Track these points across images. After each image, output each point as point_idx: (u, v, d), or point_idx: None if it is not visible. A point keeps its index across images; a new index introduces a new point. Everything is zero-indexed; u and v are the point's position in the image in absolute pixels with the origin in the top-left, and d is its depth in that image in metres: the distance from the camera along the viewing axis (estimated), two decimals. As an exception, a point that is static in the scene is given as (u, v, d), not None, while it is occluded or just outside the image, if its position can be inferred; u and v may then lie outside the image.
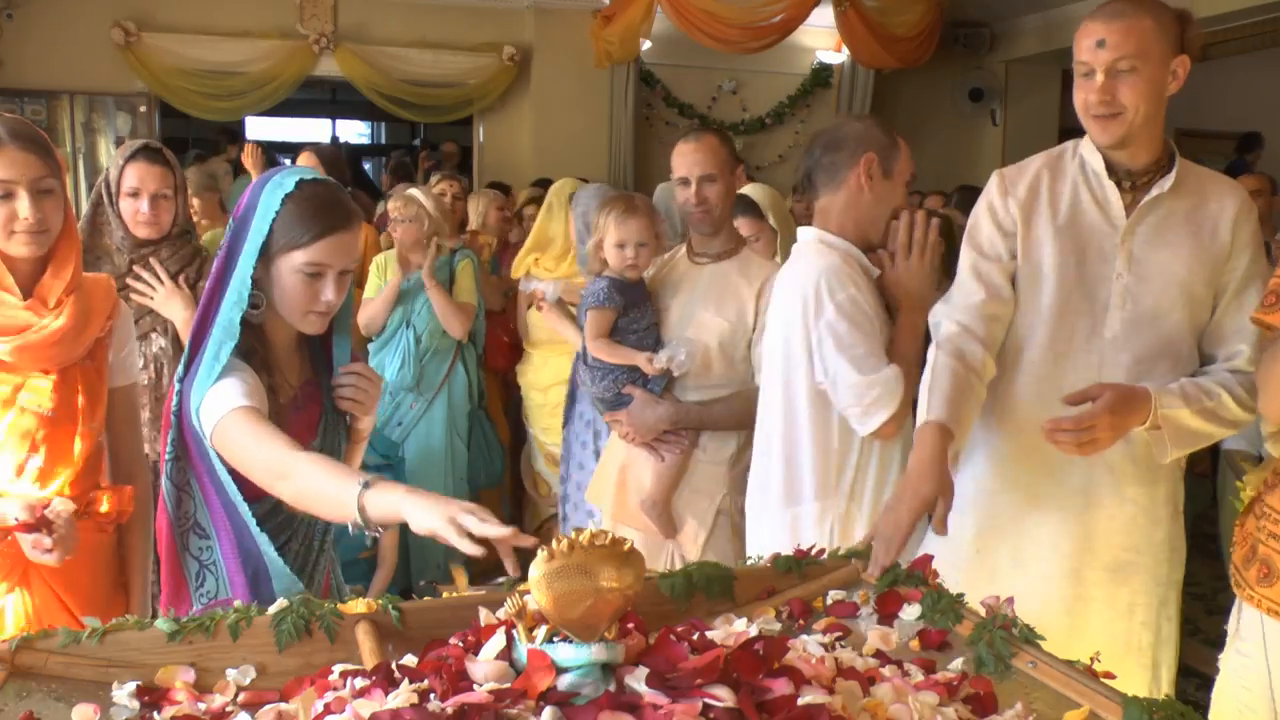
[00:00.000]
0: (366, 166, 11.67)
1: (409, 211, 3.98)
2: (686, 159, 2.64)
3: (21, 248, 1.80)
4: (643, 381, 2.67)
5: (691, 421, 2.63)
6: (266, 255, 1.71)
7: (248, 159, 5.26)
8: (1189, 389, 1.91)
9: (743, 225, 3.37)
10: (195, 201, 4.37)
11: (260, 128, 11.16)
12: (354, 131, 12.99)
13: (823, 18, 7.53)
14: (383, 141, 12.83)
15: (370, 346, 4.09)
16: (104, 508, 1.90)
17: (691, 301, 2.67)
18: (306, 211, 1.70)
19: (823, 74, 8.62)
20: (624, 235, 2.68)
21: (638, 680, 1.07)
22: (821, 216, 2.32)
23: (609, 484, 2.80)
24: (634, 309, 2.69)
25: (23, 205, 1.77)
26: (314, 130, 12.05)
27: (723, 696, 1.04)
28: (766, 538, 2.26)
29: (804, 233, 2.35)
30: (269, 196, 1.71)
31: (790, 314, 2.24)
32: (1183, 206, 1.99)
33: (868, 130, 2.30)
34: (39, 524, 1.71)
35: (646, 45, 7.85)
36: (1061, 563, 2.05)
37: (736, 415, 2.63)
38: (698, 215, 2.65)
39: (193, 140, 9.71)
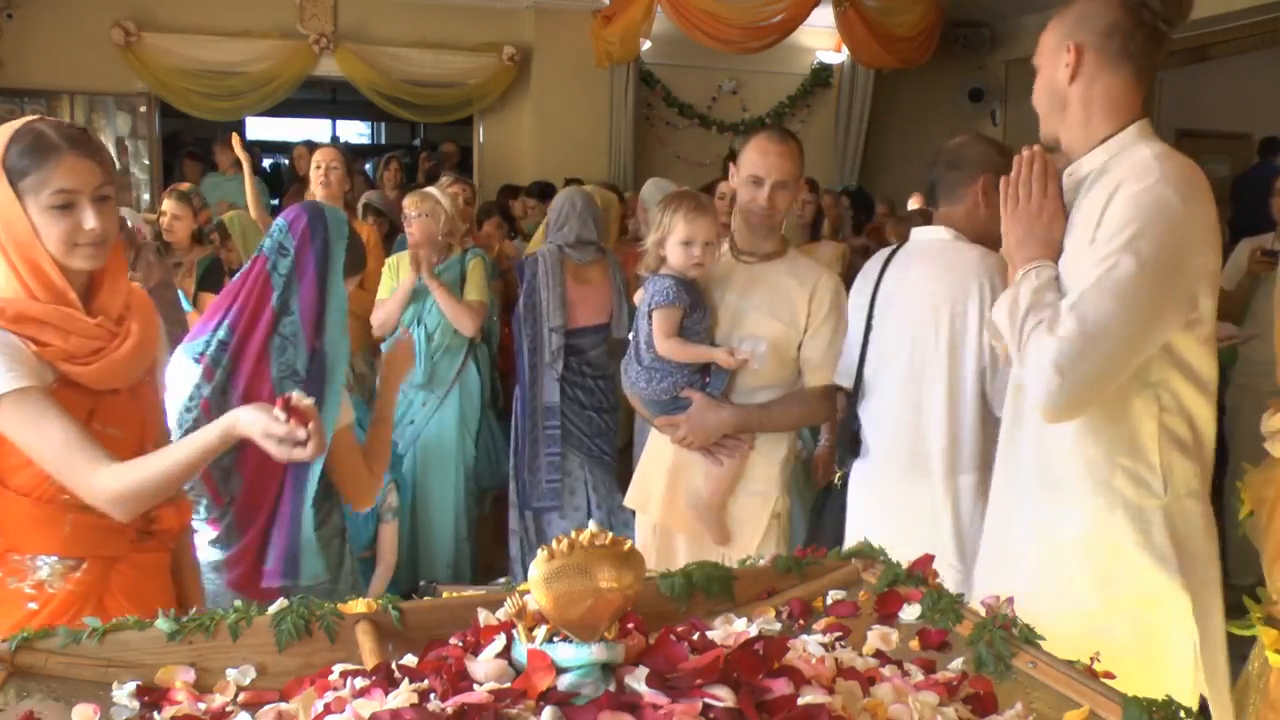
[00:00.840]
0: (366, 167, 11.66)
1: (425, 207, 4.00)
2: (769, 159, 2.57)
3: (84, 260, 1.71)
4: (700, 384, 2.62)
5: (753, 424, 2.60)
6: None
7: (240, 152, 5.33)
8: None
9: None
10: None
11: (260, 128, 11.16)
12: (354, 131, 12.99)
13: (823, 18, 7.54)
14: (383, 141, 12.82)
15: (383, 346, 4.09)
16: (168, 524, 1.85)
17: (740, 301, 2.63)
18: (357, 248, 2.26)
19: (823, 74, 8.62)
20: (693, 233, 2.58)
21: (638, 680, 1.07)
22: (945, 223, 2.49)
23: (657, 487, 2.73)
24: (696, 309, 2.62)
25: (87, 216, 1.68)
26: (314, 130, 12.04)
27: (723, 696, 1.04)
28: (924, 508, 2.39)
29: (936, 230, 2.50)
30: (338, 232, 2.20)
31: (964, 296, 2.36)
32: (1094, 198, 1.85)
33: (985, 153, 2.47)
34: (292, 414, 1.66)
35: (646, 45, 7.86)
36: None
37: (794, 417, 2.64)
38: (760, 218, 2.61)
39: (192, 141, 9.71)
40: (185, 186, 4.87)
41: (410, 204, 4.07)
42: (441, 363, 4.04)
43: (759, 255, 2.66)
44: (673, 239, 2.60)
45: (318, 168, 4.35)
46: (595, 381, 3.85)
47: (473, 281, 4.05)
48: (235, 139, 5.42)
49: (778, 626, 1.42)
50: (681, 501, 2.68)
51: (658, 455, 2.76)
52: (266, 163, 11.62)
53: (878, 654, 1.31)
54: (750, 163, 2.59)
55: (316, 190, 4.35)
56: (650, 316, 2.61)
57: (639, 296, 2.74)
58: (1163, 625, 1.85)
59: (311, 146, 5.76)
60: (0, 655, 1.23)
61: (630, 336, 2.80)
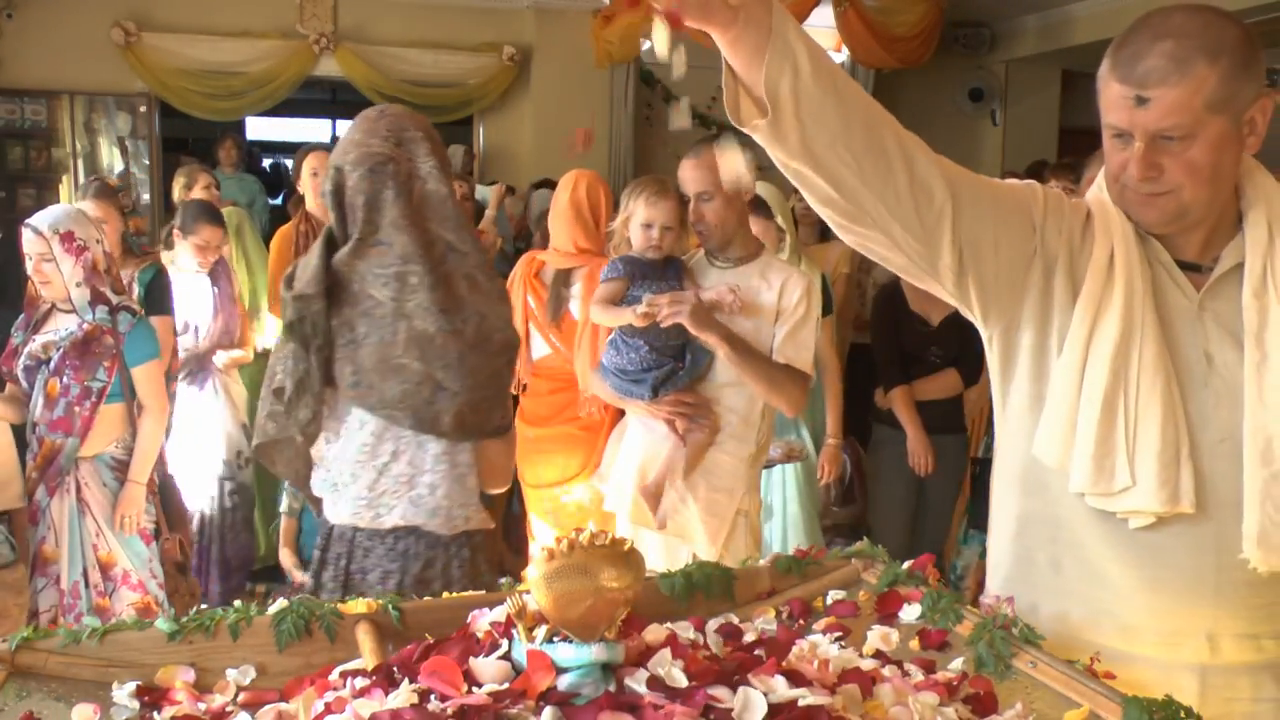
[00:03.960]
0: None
1: None
2: (685, 175, 2.65)
3: None
4: (669, 363, 2.65)
5: (736, 345, 2.55)
6: None
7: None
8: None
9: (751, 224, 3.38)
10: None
11: (260, 128, 11.15)
12: (354, 132, 12.98)
13: (823, 18, 7.52)
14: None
15: None
16: None
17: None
18: None
19: (823, 74, 8.62)
20: (652, 216, 2.68)
21: (638, 681, 1.07)
22: None
23: (626, 488, 2.76)
24: (641, 285, 2.68)
25: None
26: (314, 130, 12.03)
27: (723, 697, 1.04)
28: None
29: None
30: None
31: None
32: None
33: None
34: None
35: (646, 45, 7.85)
36: None
37: (768, 373, 2.59)
38: (700, 233, 2.68)
39: (192, 141, 9.71)
40: (114, 181, 4.68)
41: None
42: None
43: (730, 260, 2.70)
44: (634, 221, 2.70)
45: (314, 175, 4.31)
46: None
47: None
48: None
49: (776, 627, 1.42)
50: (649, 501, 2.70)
51: (628, 456, 2.79)
52: (266, 163, 11.63)
53: (878, 654, 1.31)
54: (679, 181, 2.69)
55: (314, 193, 4.31)
56: None
57: None
58: None
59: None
60: (0, 655, 1.23)
61: None
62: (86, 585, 3.09)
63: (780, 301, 2.62)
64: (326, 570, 2.03)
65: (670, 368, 2.65)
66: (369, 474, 1.98)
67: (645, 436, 2.73)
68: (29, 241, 3.04)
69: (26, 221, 3.11)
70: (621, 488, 2.80)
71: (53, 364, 3.04)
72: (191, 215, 4.09)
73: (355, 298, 1.92)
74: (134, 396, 3.12)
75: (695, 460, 2.65)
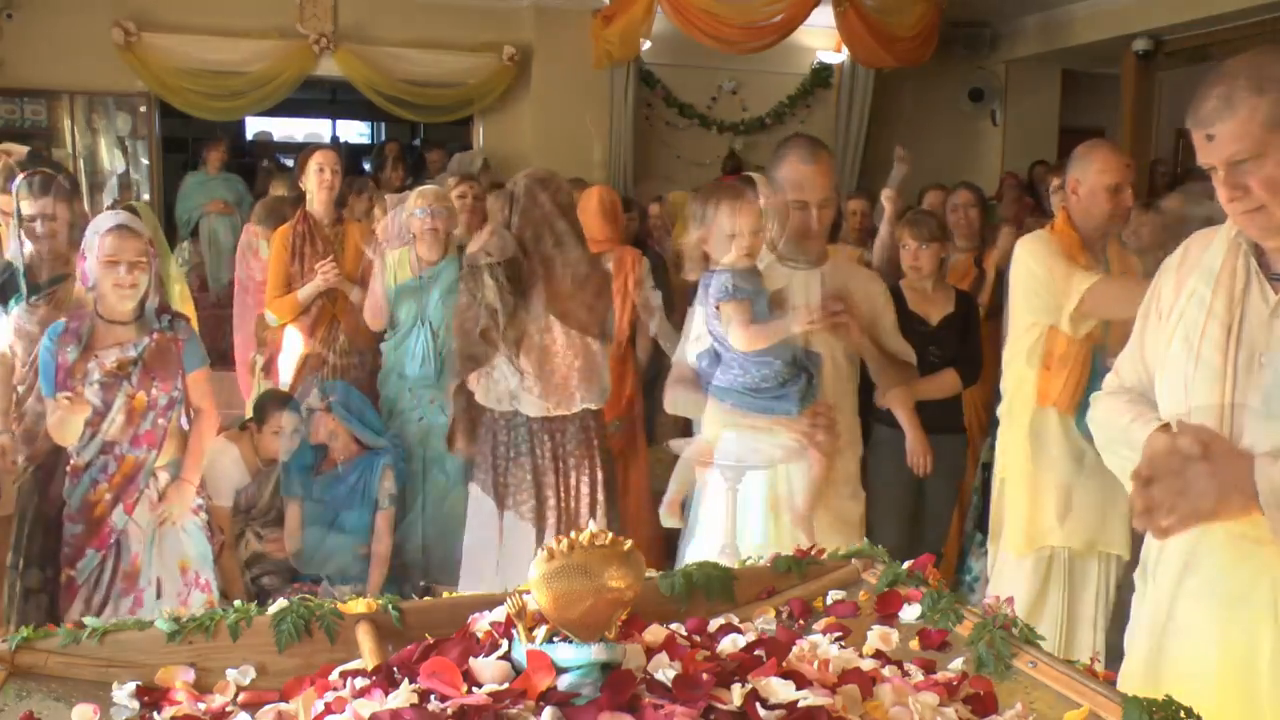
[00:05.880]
0: (366, 166, 11.64)
1: (443, 205, 4.16)
2: (811, 182, 2.54)
3: None
4: (808, 383, 2.53)
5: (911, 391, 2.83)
6: None
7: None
8: None
9: None
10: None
11: (260, 128, 11.15)
12: (354, 131, 12.98)
13: (823, 18, 7.53)
14: (383, 140, 12.81)
15: (390, 343, 4.09)
16: None
17: (800, 305, 2.57)
18: None
19: (823, 74, 8.62)
20: (744, 224, 2.45)
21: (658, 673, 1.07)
22: None
23: (760, 519, 2.58)
24: (760, 296, 2.50)
25: None
26: (314, 130, 12.02)
27: (724, 698, 1.04)
28: None
29: None
30: None
31: None
32: None
33: None
34: None
35: (646, 45, 7.85)
36: None
37: (900, 377, 2.77)
38: (814, 239, 2.62)
39: (192, 140, 9.70)
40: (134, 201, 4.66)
41: (421, 199, 4.11)
42: (451, 360, 4.03)
43: (808, 261, 2.64)
44: (721, 233, 2.47)
45: (320, 170, 4.31)
46: None
47: None
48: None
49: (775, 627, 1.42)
50: (785, 517, 2.58)
51: (751, 496, 2.53)
52: (265, 162, 11.61)
53: (878, 654, 1.31)
54: (791, 186, 2.56)
55: (319, 192, 4.31)
56: (719, 315, 2.51)
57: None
58: None
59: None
60: (0, 655, 1.23)
61: (688, 343, 2.70)
62: (158, 595, 3.01)
63: (866, 301, 2.63)
64: (525, 453, 3.18)
65: (805, 380, 2.50)
66: (562, 370, 3.13)
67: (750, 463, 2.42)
68: (125, 245, 2.87)
69: (122, 222, 2.94)
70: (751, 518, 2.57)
71: (135, 379, 2.92)
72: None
73: (529, 254, 3.09)
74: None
75: (830, 472, 2.55)
